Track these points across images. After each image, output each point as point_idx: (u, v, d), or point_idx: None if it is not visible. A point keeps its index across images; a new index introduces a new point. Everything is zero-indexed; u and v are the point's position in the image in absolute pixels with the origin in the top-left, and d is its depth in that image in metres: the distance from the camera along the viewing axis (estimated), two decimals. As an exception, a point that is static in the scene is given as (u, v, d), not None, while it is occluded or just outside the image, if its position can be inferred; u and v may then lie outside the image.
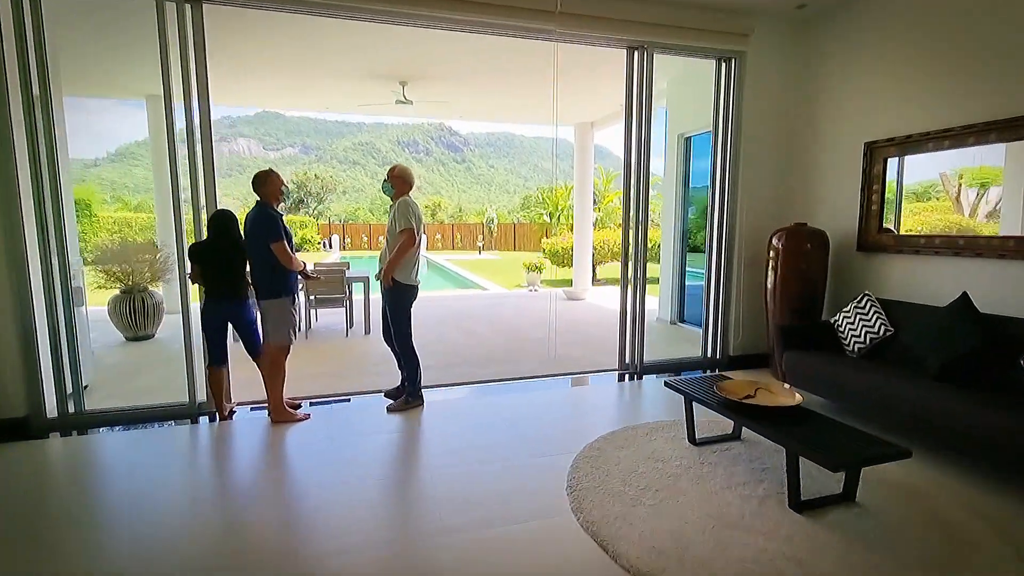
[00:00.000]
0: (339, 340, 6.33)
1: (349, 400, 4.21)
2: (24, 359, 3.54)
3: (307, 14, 3.98)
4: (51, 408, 3.67)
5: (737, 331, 5.13)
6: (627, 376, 4.87)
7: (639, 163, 4.72)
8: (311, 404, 4.09)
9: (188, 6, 3.64)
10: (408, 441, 3.48)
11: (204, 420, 3.84)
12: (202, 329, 3.74)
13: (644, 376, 4.86)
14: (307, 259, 7.19)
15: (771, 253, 4.64)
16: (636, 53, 4.62)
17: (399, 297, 3.90)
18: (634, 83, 4.65)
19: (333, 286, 6.36)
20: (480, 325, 7.24)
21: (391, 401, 4.02)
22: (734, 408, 2.89)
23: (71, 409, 3.73)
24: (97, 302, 6.46)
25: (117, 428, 3.69)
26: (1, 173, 3.37)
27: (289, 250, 3.63)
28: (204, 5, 3.67)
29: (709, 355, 5.23)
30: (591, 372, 4.98)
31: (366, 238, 28.38)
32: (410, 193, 3.95)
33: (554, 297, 9.73)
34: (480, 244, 26.60)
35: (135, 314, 6.10)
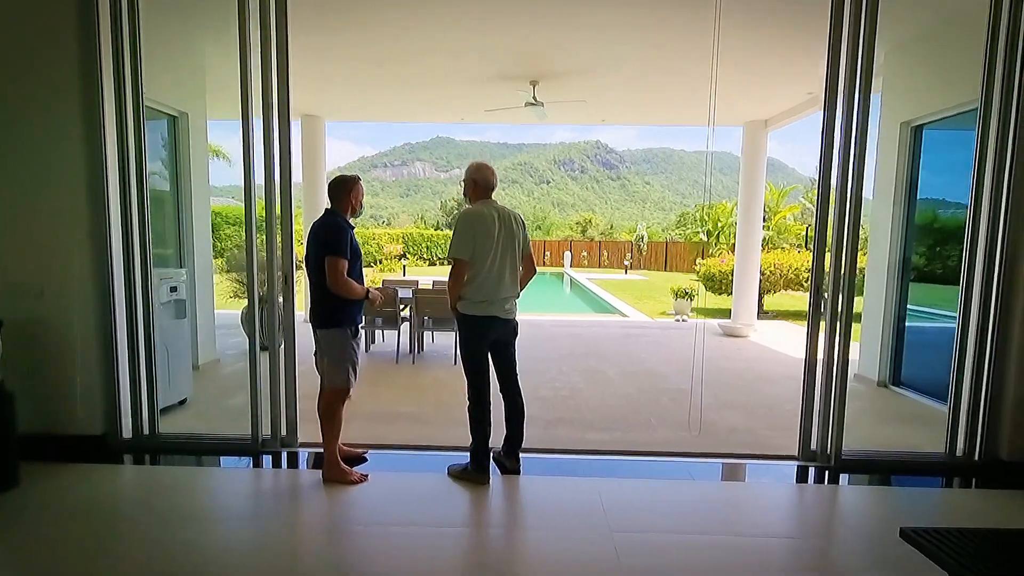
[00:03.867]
0: (447, 368, 5.63)
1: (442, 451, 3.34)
2: (104, 374, 3.33)
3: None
4: (127, 428, 3.43)
5: (1019, 419, 3.16)
6: (814, 473, 3.24)
7: (848, 153, 3.14)
8: (390, 452, 3.36)
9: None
10: (444, 547, 2.45)
11: (267, 460, 3.30)
12: None
13: (842, 476, 3.19)
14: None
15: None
16: (849, -9, 3.08)
17: (461, 330, 3.01)
18: (845, 28, 3.09)
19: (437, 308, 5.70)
20: (609, 364, 5.98)
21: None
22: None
23: (145, 431, 3.45)
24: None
25: (184, 457, 3.36)
26: (89, 188, 3.14)
27: (344, 269, 2.82)
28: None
29: (959, 452, 3.32)
30: (755, 459, 3.44)
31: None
32: (492, 196, 3.01)
33: (706, 331, 8.00)
34: (627, 263, 24.90)
35: (262, 323, 6.12)
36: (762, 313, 10.01)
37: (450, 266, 2.96)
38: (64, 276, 3.18)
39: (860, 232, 3.23)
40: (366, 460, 3.22)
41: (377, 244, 25.74)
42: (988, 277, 3.18)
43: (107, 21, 3.07)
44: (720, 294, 10.71)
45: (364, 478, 2.98)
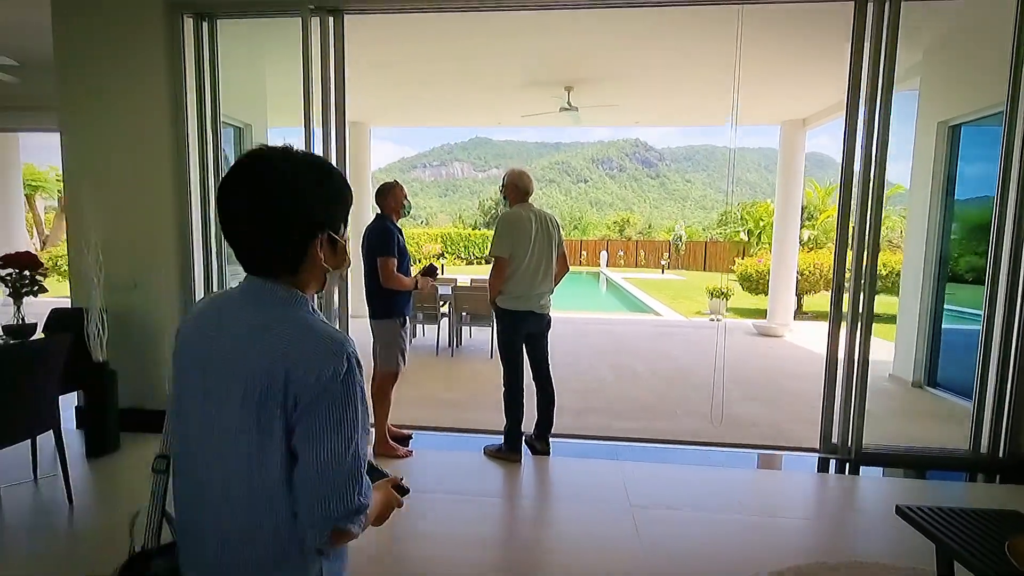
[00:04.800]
0: (484, 361, 5.95)
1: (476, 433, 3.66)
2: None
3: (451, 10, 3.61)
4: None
5: (1043, 420, 3.20)
6: (833, 464, 3.37)
7: (869, 156, 3.26)
8: (431, 432, 3.70)
9: (331, 19, 3.54)
10: (478, 512, 2.75)
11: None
12: None
13: (862, 468, 3.31)
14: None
15: None
16: (872, 6, 3.20)
17: (499, 322, 3.33)
18: (867, 35, 3.21)
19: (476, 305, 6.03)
20: (639, 361, 6.16)
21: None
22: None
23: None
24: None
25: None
26: (175, 195, 3.61)
27: (394, 267, 3.21)
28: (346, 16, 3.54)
29: (983, 450, 3.37)
30: (775, 449, 3.59)
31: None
32: (530, 199, 3.30)
33: (739, 330, 8.04)
34: (664, 263, 24.69)
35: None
36: (800, 313, 9.90)
37: (491, 264, 3.28)
38: (153, 272, 3.67)
39: (882, 231, 3.33)
40: (411, 438, 3.57)
41: (416, 244, 26.45)
42: (1014, 275, 3.23)
43: (192, 53, 3.54)
44: (757, 294, 10.63)
45: (409, 454, 3.33)
